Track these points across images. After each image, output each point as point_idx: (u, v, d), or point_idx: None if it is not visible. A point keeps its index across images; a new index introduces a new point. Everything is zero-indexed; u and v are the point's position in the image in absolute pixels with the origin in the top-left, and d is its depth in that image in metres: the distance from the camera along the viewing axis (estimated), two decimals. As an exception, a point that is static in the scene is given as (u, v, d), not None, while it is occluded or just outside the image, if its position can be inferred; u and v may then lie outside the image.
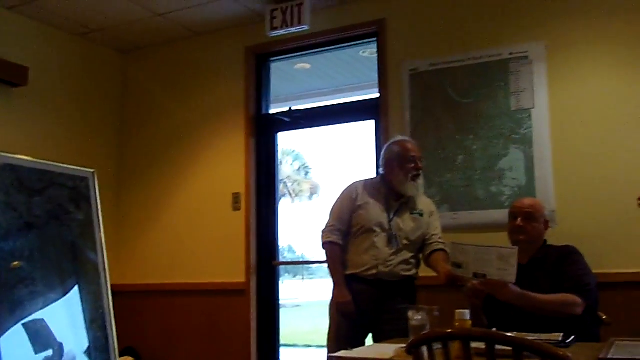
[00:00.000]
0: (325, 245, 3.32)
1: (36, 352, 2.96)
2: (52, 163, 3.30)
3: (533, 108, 3.74)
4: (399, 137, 3.49)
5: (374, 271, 3.20)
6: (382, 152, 3.42)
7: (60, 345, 3.08)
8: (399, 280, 3.23)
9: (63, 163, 3.39)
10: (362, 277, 3.22)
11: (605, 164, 3.53)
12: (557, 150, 3.66)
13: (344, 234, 3.31)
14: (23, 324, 2.95)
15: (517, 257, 2.56)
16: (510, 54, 3.82)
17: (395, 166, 3.30)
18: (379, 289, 3.21)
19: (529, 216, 2.92)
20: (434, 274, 3.29)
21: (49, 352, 3.01)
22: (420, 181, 3.33)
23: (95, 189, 3.47)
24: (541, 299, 2.64)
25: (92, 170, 3.50)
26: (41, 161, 3.24)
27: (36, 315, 2.98)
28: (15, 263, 2.96)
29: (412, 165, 3.27)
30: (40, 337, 3.00)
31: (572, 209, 3.55)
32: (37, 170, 3.18)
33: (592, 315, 2.77)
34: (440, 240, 3.31)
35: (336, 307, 3.25)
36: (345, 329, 3.21)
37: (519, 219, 2.92)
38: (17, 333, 2.88)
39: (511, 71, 3.82)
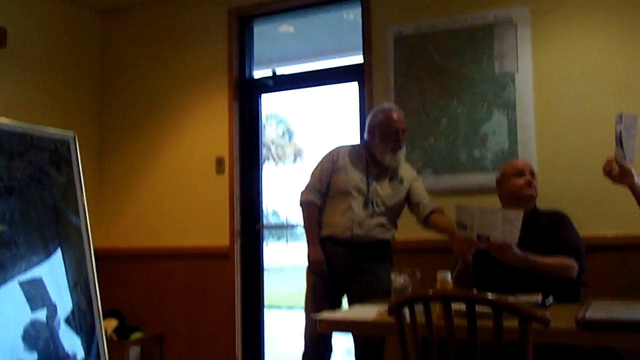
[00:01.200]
0: (303, 204, 3.34)
1: (32, 310, 2.97)
2: (32, 126, 3.26)
3: (517, 72, 3.74)
4: (386, 105, 3.47)
5: (348, 233, 3.22)
6: (368, 118, 3.41)
7: (55, 306, 3.08)
8: (374, 242, 3.25)
9: (43, 126, 3.35)
10: (337, 238, 3.25)
11: (587, 128, 3.55)
12: (540, 114, 3.68)
13: (322, 196, 3.33)
14: (19, 282, 2.95)
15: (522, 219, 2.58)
16: (495, 17, 3.81)
17: (376, 135, 3.30)
18: (354, 251, 3.23)
19: (533, 174, 2.99)
20: (417, 237, 3.34)
21: (43, 311, 3.03)
22: (402, 151, 3.32)
23: (76, 151, 3.44)
24: (542, 262, 2.67)
25: (72, 133, 3.46)
26: (21, 124, 3.20)
27: (21, 278, 2.98)
28: (-2, 227, 2.94)
29: (394, 137, 3.26)
30: (35, 295, 3.01)
31: (553, 173, 3.58)
32: (17, 134, 3.15)
33: (578, 278, 2.82)
34: (431, 202, 3.32)
35: (308, 266, 3.28)
36: (320, 290, 3.26)
37: (527, 175, 2.95)
38: (1, 296, 2.88)
39: (495, 35, 3.81)
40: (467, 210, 2.67)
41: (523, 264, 2.66)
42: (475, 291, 2.16)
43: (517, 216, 2.58)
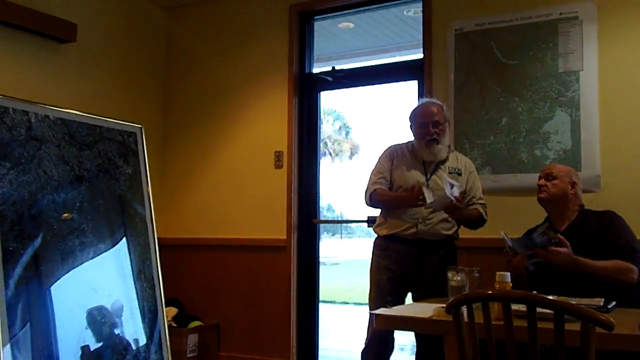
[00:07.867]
0: (371, 195, 3.29)
1: (98, 296, 3.08)
2: (101, 118, 3.38)
3: (582, 70, 3.66)
4: (423, 100, 3.45)
5: (413, 230, 3.19)
6: None
7: (119, 293, 3.20)
8: (439, 239, 3.22)
9: (110, 118, 3.46)
10: (401, 236, 3.21)
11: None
12: (605, 114, 3.59)
13: (388, 183, 3.30)
14: (86, 269, 3.07)
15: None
16: (560, 14, 3.73)
17: (412, 131, 3.32)
18: (419, 248, 3.20)
19: (549, 176, 2.94)
20: (475, 235, 3.31)
21: (108, 298, 3.14)
22: (443, 144, 3.24)
23: (142, 143, 3.55)
24: (597, 265, 2.62)
25: (139, 126, 3.57)
26: (91, 115, 3.32)
27: (88, 265, 3.09)
28: (66, 214, 3.06)
29: (423, 130, 3.23)
30: (102, 282, 3.12)
31: (617, 174, 3.50)
32: (87, 125, 3.27)
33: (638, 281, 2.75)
34: (479, 202, 3.27)
35: (407, 200, 3.15)
36: (385, 288, 3.23)
37: (540, 180, 2.97)
38: (68, 282, 3.00)
39: (560, 32, 3.73)
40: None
41: (576, 267, 2.61)
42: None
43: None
